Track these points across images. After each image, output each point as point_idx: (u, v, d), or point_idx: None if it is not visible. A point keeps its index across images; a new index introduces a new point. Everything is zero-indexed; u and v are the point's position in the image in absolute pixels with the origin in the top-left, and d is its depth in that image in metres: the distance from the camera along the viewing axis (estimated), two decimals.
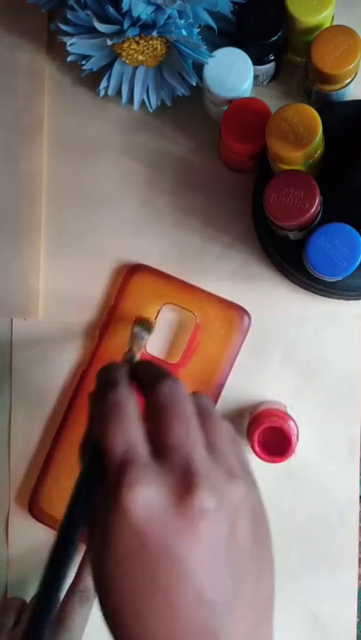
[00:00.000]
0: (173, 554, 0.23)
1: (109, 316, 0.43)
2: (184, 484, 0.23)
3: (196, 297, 0.43)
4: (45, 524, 0.42)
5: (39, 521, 0.42)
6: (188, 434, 0.25)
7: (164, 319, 0.43)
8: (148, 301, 0.43)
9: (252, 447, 0.39)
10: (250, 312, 0.43)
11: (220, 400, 0.43)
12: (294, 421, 0.40)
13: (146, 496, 0.23)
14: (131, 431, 0.25)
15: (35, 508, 0.42)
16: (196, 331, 0.42)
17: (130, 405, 0.26)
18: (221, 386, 0.42)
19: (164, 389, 0.26)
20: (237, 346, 0.42)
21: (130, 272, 0.43)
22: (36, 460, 0.44)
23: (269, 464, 0.39)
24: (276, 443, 0.39)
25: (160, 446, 0.24)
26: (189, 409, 0.26)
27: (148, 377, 0.27)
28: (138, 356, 0.38)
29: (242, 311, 0.42)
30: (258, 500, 0.27)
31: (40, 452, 0.44)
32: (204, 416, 0.27)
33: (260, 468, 0.37)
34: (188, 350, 0.42)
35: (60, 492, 0.42)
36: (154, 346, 0.43)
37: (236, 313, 0.42)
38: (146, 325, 0.41)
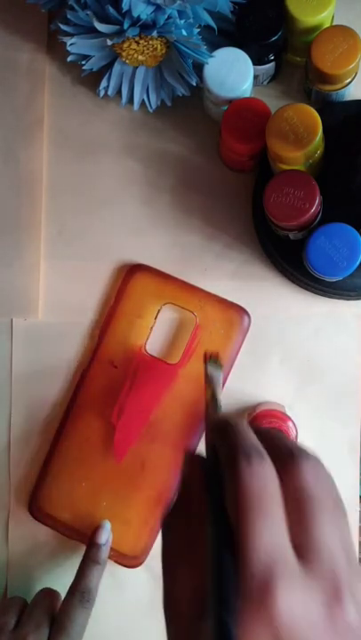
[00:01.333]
0: None
1: (109, 316, 0.43)
2: (332, 595, 0.20)
3: (195, 297, 0.43)
4: (45, 524, 0.42)
5: (39, 521, 0.42)
6: (334, 534, 0.21)
7: (164, 319, 0.43)
8: (148, 301, 0.43)
9: None
10: (250, 312, 0.43)
11: None
12: (293, 422, 0.40)
13: (294, 605, 0.20)
14: (279, 525, 0.21)
15: (35, 508, 0.43)
16: (195, 331, 0.42)
17: (277, 489, 0.21)
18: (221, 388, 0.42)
19: (308, 472, 0.22)
20: (237, 346, 0.42)
21: (130, 272, 0.43)
22: (35, 460, 0.44)
23: None
24: None
25: (306, 547, 0.21)
26: (335, 500, 0.22)
27: (282, 451, 0.23)
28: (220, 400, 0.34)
29: (242, 311, 0.42)
30: None
31: (40, 452, 0.43)
32: (337, 506, 0.23)
33: None
34: (188, 350, 0.42)
35: (60, 492, 0.42)
36: (154, 346, 0.43)
37: (235, 313, 0.42)
38: (217, 363, 0.38)
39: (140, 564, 0.42)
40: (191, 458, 0.25)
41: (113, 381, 0.42)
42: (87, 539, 0.41)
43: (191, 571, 0.22)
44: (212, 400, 0.33)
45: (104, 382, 0.43)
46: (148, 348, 0.43)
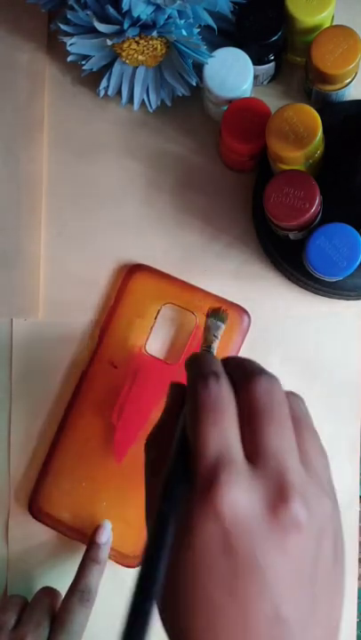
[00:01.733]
0: (257, 563, 0.21)
1: (109, 316, 0.43)
2: (278, 493, 0.22)
3: (196, 297, 0.43)
4: (45, 524, 0.42)
5: (39, 521, 0.42)
6: (283, 441, 0.24)
7: (164, 319, 0.43)
8: (148, 301, 0.43)
9: None
10: (250, 312, 0.43)
11: None
12: None
13: (239, 499, 0.22)
14: (229, 431, 0.23)
15: (35, 508, 0.42)
16: (195, 331, 0.42)
17: (231, 402, 0.24)
18: None
19: (261, 388, 0.24)
20: (237, 346, 0.42)
21: (130, 272, 0.43)
22: (35, 460, 0.43)
23: None
24: None
25: (255, 451, 0.23)
26: (286, 412, 0.24)
27: (243, 372, 0.25)
28: (216, 349, 0.36)
29: (242, 311, 0.42)
30: (340, 520, 0.25)
31: (40, 452, 0.43)
32: (298, 421, 0.25)
33: None
34: (189, 351, 0.42)
35: (60, 491, 0.42)
36: (154, 346, 0.43)
37: (235, 313, 0.42)
38: (220, 315, 0.39)
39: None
40: (175, 386, 0.28)
41: (113, 381, 0.42)
42: (87, 538, 0.41)
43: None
44: (203, 348, 0.36)
45: (104, 382, 0.43)
46: (148, 348, 0.43)
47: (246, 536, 0.22)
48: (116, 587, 0.42)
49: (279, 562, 0.22)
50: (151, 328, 0.43)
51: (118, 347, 0.43)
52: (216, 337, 0.37)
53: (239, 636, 0.21)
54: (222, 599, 0.21)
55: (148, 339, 0.43)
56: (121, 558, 0.42)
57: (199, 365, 0.26)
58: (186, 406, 0.25)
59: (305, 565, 0.22)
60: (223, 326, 0.38)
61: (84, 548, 0.41)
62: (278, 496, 0.22)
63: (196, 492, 0.22)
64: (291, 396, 0.27)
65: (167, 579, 0.22)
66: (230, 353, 0.42)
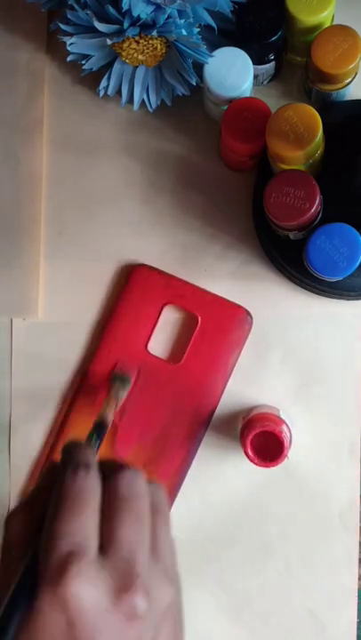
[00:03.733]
0: None
1: (110, 317, 0.43)
2: (123, 584, 0.23)
3: (197, 297, 0.43)
4: None
5: None
6: (137, 533, 0.25)
7: (166, 320, 0.43)
8: (150, 302, 0.43)
9: (246, 452, 0.39)
10: (250, 312, 0.43)
11: (221, 400, 0.43)
12: (288, 425, 0.40)
13: (84, 590, 0.23)
14: (88, 522, 0.24)
15: None
16: (197, 332, 0.42)
17: (97, 494, 0.25)
18: (224, 386, 0.42)
19: (123, 480, 0.26)
20: (240, 346, 0.42)
21: (132, 272, 0.43)
22: (36, 460, 0.43)
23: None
24: (270, 447, 0.39)
25: (109, 541, 0.24)
26: (145, 506, 0.26)
27: (111, 465, 0.26)
28: (111, 419, 0.37)
29: (244, 312, 0.42)
30: (181, 605, 0.27)
31: (40, 452, 0.43)
32: (155, 511, 0.26)
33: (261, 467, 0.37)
34: (191, 351, 0.42)
35: None
36: (156, 347, 0.43)
37: (238, 313, 0.42)
38: (124, 381, 0.41)
39: None
40: (51, 466, 0.27)
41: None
42: None
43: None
44: (100, 416, 0.36)
45: (105, 382, 0.43)
46: (150, 348, 0.43)
47: (89, 627, 0.23)
48: None
49: None
50: (153, 328, 0.42)
51: (120, 347, 0.43)
52: (119, 400, 0.39)
53: None
54: None
55: (149, 339, 0.43)
56: None
57: (73, 455, 0.27)
58: (51, 498, 0.25)
59: None
60: (125, 393, 0.40)
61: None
62: (123, 587, 0.23)
63: (42, 582, 0.23)
64: (152, 485, 0.27)
65: None
66: (233, 354, 0.42)
